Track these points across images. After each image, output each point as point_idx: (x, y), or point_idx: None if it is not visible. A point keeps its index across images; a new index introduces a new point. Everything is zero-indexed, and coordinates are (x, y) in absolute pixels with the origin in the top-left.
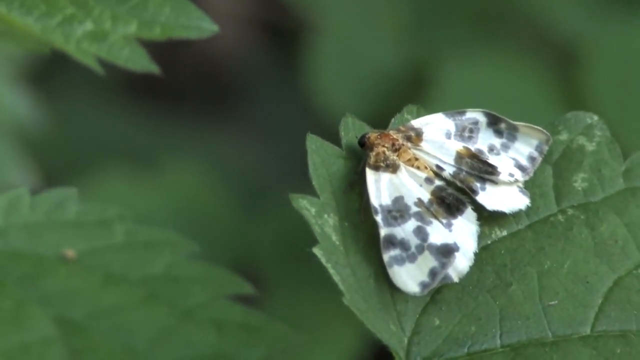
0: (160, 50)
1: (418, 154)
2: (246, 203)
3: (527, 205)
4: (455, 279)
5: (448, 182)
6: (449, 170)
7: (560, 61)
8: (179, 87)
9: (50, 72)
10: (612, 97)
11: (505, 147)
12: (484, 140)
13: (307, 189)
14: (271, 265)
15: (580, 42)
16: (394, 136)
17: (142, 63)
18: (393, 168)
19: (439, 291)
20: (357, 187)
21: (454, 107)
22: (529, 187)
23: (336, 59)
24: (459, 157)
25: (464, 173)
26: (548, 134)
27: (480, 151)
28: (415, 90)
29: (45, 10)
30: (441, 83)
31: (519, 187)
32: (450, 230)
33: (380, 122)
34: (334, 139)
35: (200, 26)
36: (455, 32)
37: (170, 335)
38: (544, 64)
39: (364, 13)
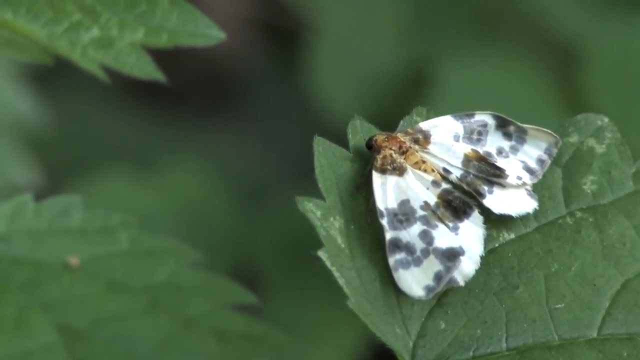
0: (160, 51)
1: (425, 156)
2: (246, 203)
3: (535, 209)
4: (461, 283)
5: (455, 186)
6: (456, 174)
7: (561, 61)
8: (180, 87)
9: (52, 72)
10: (612, 96)
11: (514, 149)
12: (493, 143)
13: (308, 189)
14: (271, 265)
15: (580, 42)
16: (402, 139)
17: (148, 70)
18: (400, 171)
19: (445, 294)
20: (363, 189)
21: (453, 107)
22: (537, 189)
23: (336, 59)
24: (467, 160)
25: (471, 176)
26: (557, 136)
27: (489, 154)
28: (416, 90)
29: (52, 17)
30: (441, 83)
31: (527, 190)
32: (457, 234)
33: (380, 122)
34: (334, 138)
35: (208, 33)
36: (455, 32)
37: (173, 344)
38: (544, 63)
39: (364, 13)
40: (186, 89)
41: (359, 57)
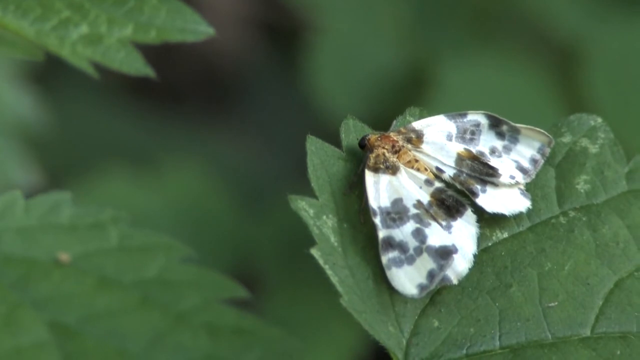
0: (160, 50)
1: (418, 155)
2: (246, 203)
3: (528, 208)
4: (454, 281)
5: (448, 184)
6: (449, 173)
7: (560, 61)
8: (179, 87)
9: (51, 71)
10: (611, 96)
11: (507, 149)
12: (486, 143)
13: (307, 189)
14: (271, 265)
15: (580, 42)
16: (394, 138)
17: (137, 66)
18: (393, 170)
19: (438, 293)
20: (356, 188)
21: (453, 107)
22: (531, 189)
23: (336, 59)
24: (460, 159)
25: (464, 175)
26: (550, 136)
27: (482, 153)
28: (415, 91)
29: (41, 14)
30: (441, 83)
31: (520, 189)
32: (450, 232)
33: (380, 122)
34: (334, 139)
35: (197, 29)
36: (455, 33)
37: (164, 339)
38: (543, 64)
39: (364, 13)
40: (186, 89)
41: (359, 58)
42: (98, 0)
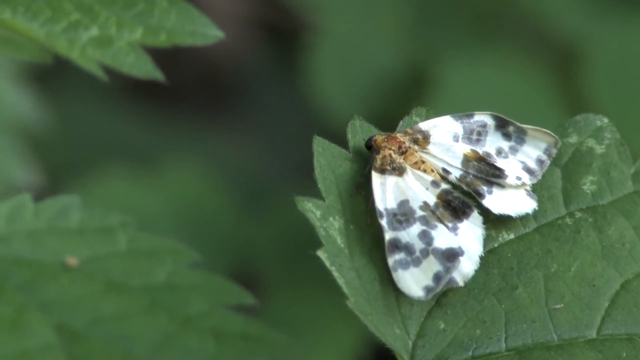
0: (160, 50)
1: (425, 156)
2: (246, 203)
3: (534, 209)
4: (461, 283)
5: (454, 186)
6: (455, 174)
7: (561, 61)
8: (180, 87)
9: (52, 71)
10: (612, 96)
11: (513, 150)
12: (492, 143)
13: (308, 188)
14: (271, 265)
15: (580, 42)
16: (401, 139)
17: (146, 70)
18: (399, 171)
19: (444, 294)
20: (363, 189)
21: (453, 107)
22: (537, 189)
23: (336, 59)
24: (466, 160)
25: (470, 176)
26: (556, 137)
27: (488, 154)
28: (415, 91)
29: (51, 16)
30: (441, 83)
31: (526, 190)
32: (456, 234)
33: (380, 122)
34: (334, 139)
35: (206, 33)
36: (455, 33)
37: (170, 344)
38: (544, 64)
39: (364, 13)
40: (186, 89)
41: (359, 58)
42: (108, 2)
